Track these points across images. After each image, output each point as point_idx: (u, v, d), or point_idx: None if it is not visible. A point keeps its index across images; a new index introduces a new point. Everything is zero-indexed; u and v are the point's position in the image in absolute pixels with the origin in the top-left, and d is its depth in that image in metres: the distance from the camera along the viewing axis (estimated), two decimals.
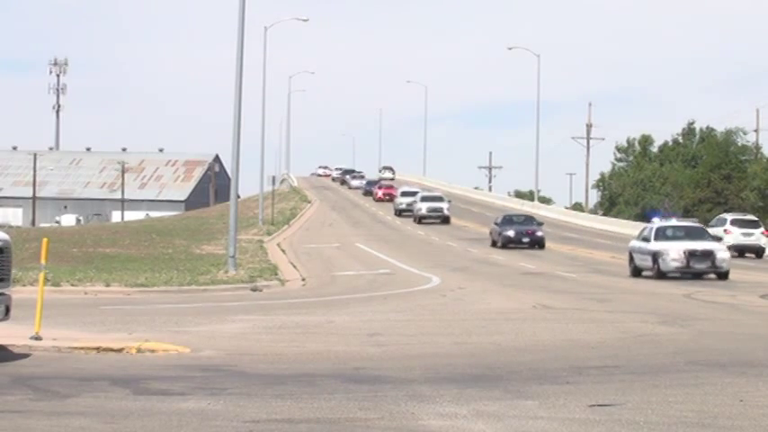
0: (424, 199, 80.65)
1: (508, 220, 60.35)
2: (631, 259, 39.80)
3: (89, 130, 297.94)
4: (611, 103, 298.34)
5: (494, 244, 58.35)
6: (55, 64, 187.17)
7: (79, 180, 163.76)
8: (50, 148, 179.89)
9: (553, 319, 22.96)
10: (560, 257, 50.78)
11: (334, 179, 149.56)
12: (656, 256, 37.44)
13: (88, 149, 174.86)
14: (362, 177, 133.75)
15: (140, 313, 23.97)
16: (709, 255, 37.22)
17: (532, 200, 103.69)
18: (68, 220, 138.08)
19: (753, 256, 54.72)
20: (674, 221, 41.89)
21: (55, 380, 14.05)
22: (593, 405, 12.26)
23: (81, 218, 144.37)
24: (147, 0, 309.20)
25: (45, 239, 19.51)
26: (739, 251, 53.57)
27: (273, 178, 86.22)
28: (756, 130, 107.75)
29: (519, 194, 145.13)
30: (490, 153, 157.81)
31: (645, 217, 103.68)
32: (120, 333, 19.29)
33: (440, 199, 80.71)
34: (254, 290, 32.99)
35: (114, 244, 56.91)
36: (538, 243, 57.22)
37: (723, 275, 37.07)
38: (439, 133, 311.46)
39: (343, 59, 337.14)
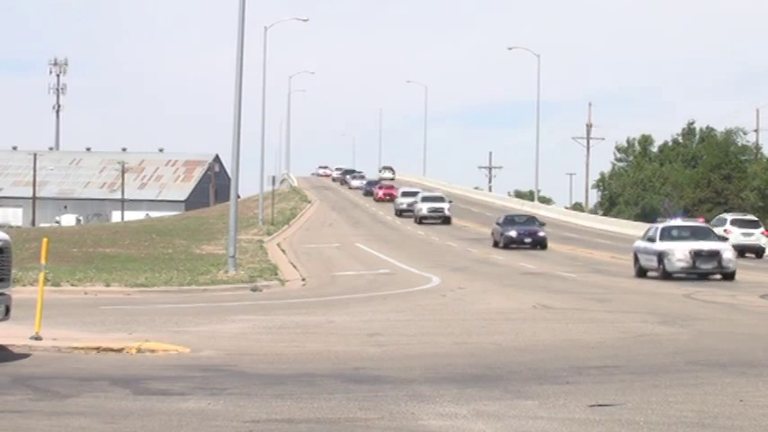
0: (425, 199, 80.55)
1: (510, 220, 60.07)
2: (636, 260, 39.51)
3: (89, 130, 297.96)
4: (611, 103, 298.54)
5: (495, 244, 58.13)
6: (55, 64, 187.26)
7: (79, 180, 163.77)
8: (50, 148, 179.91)
9: (553, 319, 22.96)
10: (560, 257, 50.78)
11: (334, 179, 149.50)
12: (661, 256, 37.15)
13: (88, 149, 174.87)
14: (363, 177, 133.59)
15: (140, 313, 23.97)
16: (715, 255, 36.90)
17: (532, 200, 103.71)
18: (68, 220, 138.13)
19: (753, 256, 54.72)
20: (679, 221, 41.51)
21: (55, 380, 14.05)
22: (593, 405, 12.26)
23: (81, 218, 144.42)
24: (147, 0, 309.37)
25: (45, 239, 19.51)
26: (739, 251, 53.44)
27: (273, 178, 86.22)
28: (756, 130, 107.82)
29: (519, 194, 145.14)
30: (490, 153, 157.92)
31: (645, 216, 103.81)
32: (120, 333, 19.29)
33: (441, 199, 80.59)
34: (254, 290, 32.99)
35: (114, 244, 56.91)
36: (540, 243, 56.97)
37: (729, 276, 36.71)
38: (439, 133, 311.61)
39: (343, 59, 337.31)
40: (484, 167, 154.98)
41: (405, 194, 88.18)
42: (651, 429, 11.00)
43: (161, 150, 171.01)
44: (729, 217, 57.85)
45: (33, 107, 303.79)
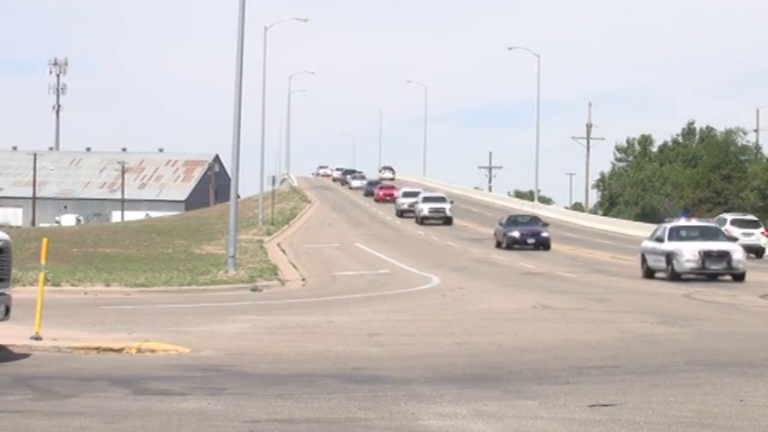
0: (426, 200, 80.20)
1: (513, 220, 59.44)
2: (644, 260, 38.86)
3: (89, 130, 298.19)
4: (611, 103, 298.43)
5: (498, 245, 57.57)
6: (55, 64, 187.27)
7: (79, 180, 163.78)
8: (50, 148, 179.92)
9: (553, 319, 22.96)
10: (560, 257, 50.77)
11: (334, 179, 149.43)
12: (670, 256, 36.56)
13: (88, 149, 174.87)
14: (363, 178, 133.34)
15: (140, 313, 23.97)
16: (724, 255, 36.35)
17: (532, 200, 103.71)
18: (68, 220, 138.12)
19: (753, 256, 54.65)
20: (684, 221, 41.14)
21: (55, 380, 14.05)
22: (594, 405, 12.26)
23: (81, 218, 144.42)
24: (147, 0, 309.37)
25: (45, 239, 19.51)
26: None
27: (273, 178, 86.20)
28: (756, 130, 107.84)
29: (519, 194, 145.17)
30: (490, 153, 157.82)
31: (645, 216, 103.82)
32: (120, 333, 19.29)
33: (442, 200, 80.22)
34: (254, 290, 32.98)
35: (114, 244, 56.90)
36: (543, 244, 56.23)
37: (739, 277, 36.14)
38: (439, 133, 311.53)
39: (343, 59, 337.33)
40: (484, 167, 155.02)
41: (406, 195, 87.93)
42: (651, 429, 11.00)
43: (161, 150, 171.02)
44: (729, 217, 57.85)
45: (33, 107, 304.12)
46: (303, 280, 38.70)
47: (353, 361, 16.14)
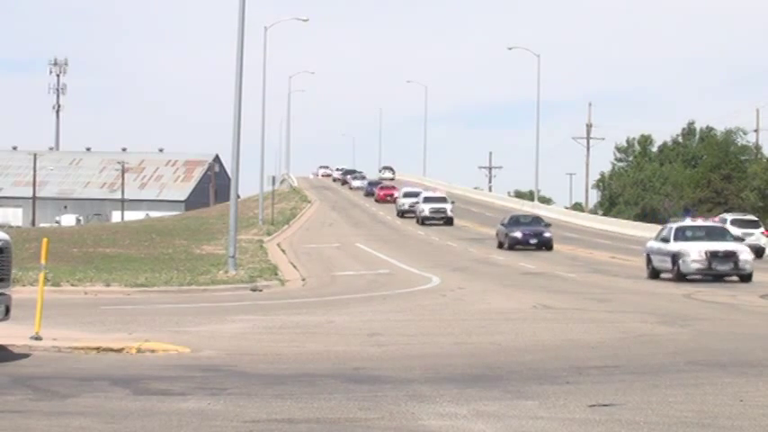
0: (427, 200, 79.68)
1: (515, 220, 58.95)
2: (649, 261, 38.32)
3: (89, 130, 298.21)
4: (611, 103, 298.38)
5: (500, 245, 57.08)
6: (55, 64, 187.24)
7: (79, 180, 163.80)
8: (50, 148, 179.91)
9: (553, 319, 22.96)
10: (560, 257, 50.77)
11: (334, 179, 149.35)
12: (675, 257, 36.06)
13: (88, 149, 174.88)
14: (364, 178, 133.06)
15: (140, 313, 23.97)
16: (731, 256, 35.82)
17: (532, 200, 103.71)
18: (68, 220, 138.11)
19: (753, 256, 54.68)
20: (699, 221, 40.76)
21: (55, 380, 14.05)
22: (594, 405, 12.26)
23: (81, 218, 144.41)
24: (147, 0, 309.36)
25: (45, 239, 19.50)
26: None
27: (273, 178, 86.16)
28: (756, 130, 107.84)
29: (519, 194, 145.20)
30: (490, 153, 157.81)
31: (645, 216, 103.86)
32: (120, 333, 19.29)
33: (443, 200, 79.70)
34: (254, 290, 32.98)
35: (114, 244, 56.91)
36: (546, 245, 55.76)
37: (746, 278, 35.66)
38: (439, 133, 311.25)
39: (343, 59, 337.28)
40: (484, 167, 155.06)
41: (407, 195, 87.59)
42: (651, 429, 11.00)
43: (161, 150, 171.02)
44: (729, 217, 57.83)
45: (33, 107, 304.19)
46: (303, 280, 38.71)
47: (353, 361, 16.14)
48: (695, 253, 35.83)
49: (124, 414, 11.67)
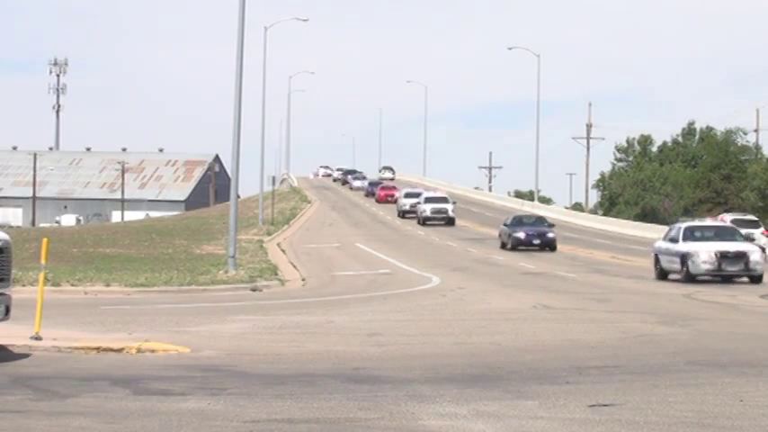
0: (428, 200, 79.23)
1: (518, 221, 58.52)
2: (657, 261, 37.50)
3: (89, 130, 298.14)
4: (611, 103, 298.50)
5: (503, 246, 56.60)
6: (55, 64, 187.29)
7: (79, 180, 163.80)
8: (50, 148, 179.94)
9: (553, 319, 22.96)
10: (560, 257, 50.76)
11: (335, 180, 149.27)
12: (684, 257, 35.27)
13: (88, 149, 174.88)
14: (364, 178, 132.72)
15: (140, 313, 23.97)
16: (742, 257, 34.96)
17: (532, 200, 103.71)
18: (68, 220, 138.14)
19: (764, 256, 54.62)
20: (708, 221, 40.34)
21: (55, 380, 14.05)
22: (594, 405, 12.26)
23: (81, 218, 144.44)
24: (147, 0, 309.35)
25: (45, 239, 19.51)
26: None
27: (273, 178, 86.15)
28: (756, 130, 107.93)
29: (519, 194, 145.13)
30: (490, 153, 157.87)
31: (645, 216, 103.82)
32: (120, 333, 19.29)
33: (444, 200, 79.22)
34: (254, 290, 32.98)
35: (114, 244, 56.91)
36: (549, 245, 55.25)
37: (756, 279, 34.86)
38: (439, 133, 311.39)
39: (343, 59, 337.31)
40: (484, 167, 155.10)
41: (408, 195, 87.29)
42: (651, 429, 11.00)
43: (161, 150, 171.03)
44: (729, 217, 57.83)
45: (33, 107, 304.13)
46: (303, 280, 38.70)
47: (353, 361, 16.14)
48: (705, 254, 35.05)
49: (124, 414, 11.67)
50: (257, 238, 62.78)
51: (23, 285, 28.49)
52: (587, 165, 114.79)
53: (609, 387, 13.61)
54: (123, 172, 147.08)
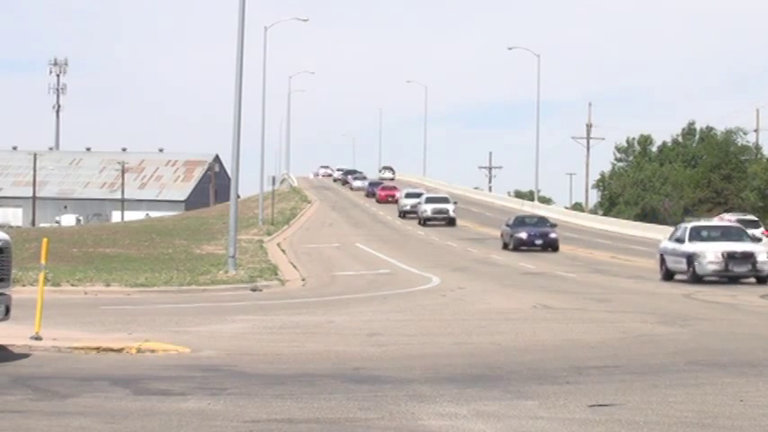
0: (429, 200, 78.95)
1: (520, 221, 58.36)
2: (662, 262, 37.11)
3: (89, 130, 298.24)
4: (611, 103, 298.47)
5: (505, 246, 56.48)
6: (55, 64, 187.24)
7: (79, 180, 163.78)
8: (50, 148, 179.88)
9: (553, 319, 22.96)
10: (560, 257, 50.77)
11: (335, 180, 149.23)
12: (691, 258, 34.91)
13: (88, 149, 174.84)
14: (365, 178, 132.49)
15: (140, 313, 23.97)
16: (749, 257, 34.56)
17: (532, 200, 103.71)
18: (68, 220, 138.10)
19: None
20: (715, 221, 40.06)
21: (55, 380, 14.05)
22: (594, 405, 12.26)
23: (81, 218, 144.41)
24: (147, 0, 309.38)
25: (45, 239, 19.51)
26: None
27: (273, 178, 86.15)
28: (756, 130, 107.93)
29: (519, 194, 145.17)
30: (490, 153, 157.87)
31: (645, 216, 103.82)
32: (120, 333, 19.29)
33: (445, 200, 78.87)
34: (254, 290, 32.99)
35: (114, 244, 56.92)
36: (551, 245, 55.03)
37: (764, 279, 34.41)
38: (439, 133, 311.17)
39: (343, 59, 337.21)
40: (484, 167, 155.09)
41: (408, 195, 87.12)
42: (651, 429, 11.00)
43: (161, 150, 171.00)
44: (734, 217, 57.80)
45: (33, 107, 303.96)
46: (303, 280, 38.71)
47: (353, 361, 16.14)
48: (711, 254, 34.71)
49: (124, 414, 11.67)
50: (257, 238, 62.78)
51: (23, 285, 28.50)
52: (587, 165, 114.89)
53: (609, 387, 13.61)
54: (123, 172, 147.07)
